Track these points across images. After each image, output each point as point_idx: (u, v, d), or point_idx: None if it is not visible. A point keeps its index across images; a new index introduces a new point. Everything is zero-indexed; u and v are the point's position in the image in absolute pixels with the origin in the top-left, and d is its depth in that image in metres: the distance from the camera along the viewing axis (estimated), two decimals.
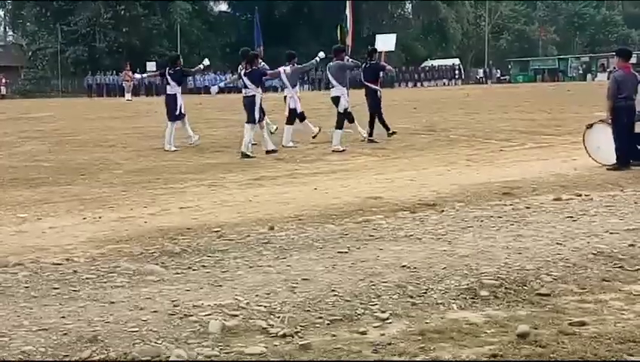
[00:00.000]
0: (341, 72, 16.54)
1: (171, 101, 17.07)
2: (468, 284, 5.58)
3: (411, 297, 5.34)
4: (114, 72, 61.15)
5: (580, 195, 9.49)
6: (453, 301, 5.25)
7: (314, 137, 17.16)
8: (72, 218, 8.76)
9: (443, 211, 8.61)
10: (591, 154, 12.56)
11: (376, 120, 17.58)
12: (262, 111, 15.27)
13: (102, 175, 12.57)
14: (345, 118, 16.21)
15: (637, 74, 12.92)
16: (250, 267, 6.26)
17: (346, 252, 6.71)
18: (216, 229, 7.81)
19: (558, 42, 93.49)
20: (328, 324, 4.83)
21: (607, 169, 11.84)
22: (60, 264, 6.46)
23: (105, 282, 5.88)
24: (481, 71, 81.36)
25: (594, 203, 8.99)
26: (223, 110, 32.72)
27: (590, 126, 12.76)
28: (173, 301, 5.31)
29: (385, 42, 21.63)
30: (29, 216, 8.92)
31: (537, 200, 9.25)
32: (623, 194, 9.68)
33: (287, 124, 16.89)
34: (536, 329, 4.63)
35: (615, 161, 11.95)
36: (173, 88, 17.17)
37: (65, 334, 4.69)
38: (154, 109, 34.76)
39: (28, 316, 5.05)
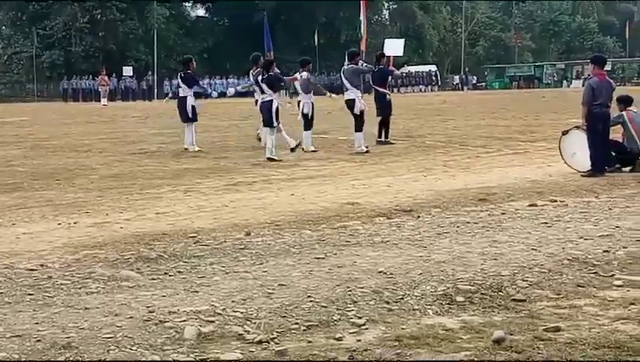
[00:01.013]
0: (355, 76, 16.75)
1: (182, 104, 17.30)
2: (444, 290, 5.60)
3: (387, 303, 5.34)
4: (90, 76, 60.86)
5: (555, 201, 9.55)
6: (429, 306, 5.26)
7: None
8: (47, 223, 8.69)
9: (419, 217, 8.63)
10: (566, 161, 12.64)
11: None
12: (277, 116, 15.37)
13: (77, 180, 12.48)
14: (362, 120, 16.43)
15: (612, 81, 13.05)
16: (227, 273, 6.24)
17: (323, 258, 6.71)
18: (192, 235, 7.78)
19: (534, 49, 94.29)
20: (304, 330, 4.83)
21: (582, 175, 11.92)
22: (34, 270, 6.41)
23: (80, 288, 5.83)
24: (457, 77, 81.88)
25: (569, 209, 9.05)
26: (199, 115, 32.58)
27: (566, 132, 12.85)
28: (148, 307, 5.28)
29: (393, 47, 21.82)
30: (3, 222, 8.83)
31: (513, 206, 9.30)
32: (598, 200, 9.75)
33: (305, 130, 17.00)
34: (511, 334, 4.65)
35: (590, 168, 12.04)
36: (184, 91, 17.39)
37: (39, 340, 4.65)
38: (130, 114, 34.66)
39: (1, 322, 5.00)
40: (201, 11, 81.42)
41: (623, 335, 4.63)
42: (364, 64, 17.82)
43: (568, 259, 6.49)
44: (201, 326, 4.85)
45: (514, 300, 5.37)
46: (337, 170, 13.57)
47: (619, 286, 5.72)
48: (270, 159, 14.80)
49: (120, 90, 62.47)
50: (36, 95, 64.76)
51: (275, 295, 5.56)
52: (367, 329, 4.84)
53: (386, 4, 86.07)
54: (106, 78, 51.89)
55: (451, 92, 69.31)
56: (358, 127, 16.38)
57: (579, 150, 12.36)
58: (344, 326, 4.88)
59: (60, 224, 8.61)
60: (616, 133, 12.94)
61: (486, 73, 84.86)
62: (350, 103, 16.50)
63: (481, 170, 13.21)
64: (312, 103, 17.15)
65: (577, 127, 12.73)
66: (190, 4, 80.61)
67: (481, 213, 8.85)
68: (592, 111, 12.17)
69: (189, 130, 17.24)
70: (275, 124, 15.17)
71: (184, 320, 4.97)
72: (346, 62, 17.06)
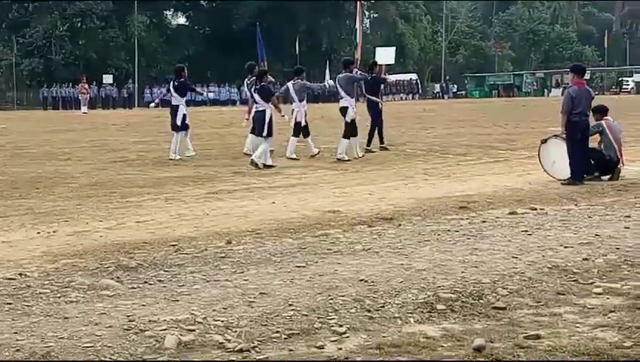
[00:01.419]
0: (350, 84, 17.08)
1: (174, 112, 17.37)
2: (425, 298, 5.60)
3: (369, 311, 5.34)
4: (70, 84, 60.56)
5: (535, 209, 9.59)
6: (410, 314, 5.27)
7: (312, 157, 17.03)
8: (26, 232, 8.63)
9: (400, 225, 8.64)
10: (546, 169, 12.71)
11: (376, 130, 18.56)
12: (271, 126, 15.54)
13: (57, 188, 12.41)
14: (352, 128, 16.70)
15: (591, 90, 13.14)
16: (207, 281, 6.22)
17: (304, 266, 6.70)
18: (172, 243, 7.75)
19: (514, 58, 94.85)
20: (285, 339, 4.81)
21: (562, 183, 11.98)
22: (13, 279, 6.36)
23: (59, 297, 5.80)
24: (438, 86, 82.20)
25: (549, 217, 9.09)
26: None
27: (545, 141, 12.91)
28: (128, 316, 5.25)
29: (384, 55, 22.18)
30: None
31: (493, 214, 9.33)
32: (577, 208, 9.80)
33: (292, 136, 17.15)
34: (492, 342, 4.66)
35: (569, 176, 12.10)
36: (176, 100, 17.47)
37: (17, 350, 4.61)
38: (110, 122, 34.52)
39: None
40: (181, 19, 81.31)
41: (603, 343, 4.66)
42: (359, 72, 18.28)
43: (548, 267, 6.52)
44: (181, 335, 4.83)
45: (494, 308, 5.39)
46: (318, 178, 13.58)
47: (598, 293, 5.75)
48: (254, 163, 14.79)
49: (100, 98, 62.20)
50: (16, 103, 64.35)
51: (256, 303, 5.54)
52: (348, 337, 4.83)
53: (367, 13, 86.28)
54: (86, 86, 51.65)
55: (432, 100, 69.58)
56: (346, 135, 16.56)
57: (558, 158, 12.42)
58: (325, 335, 4.88)
59: (39, 233, 8.56)
60: (592, 142, 13.01)
61: (466, 82, 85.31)
62: (343, 111, 16.80)
63: (461, 178, 13.25)
64: (305, 112, 17.34)
65: (556, 136, 12.79)
66: (171, 13, 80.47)
67: (461, 221, 8.88)
68: (571, 120, 12.24)
69: (175, 138, 17.21)
70: (265, 133, 15.24)
71: (164, 329, 4.95)
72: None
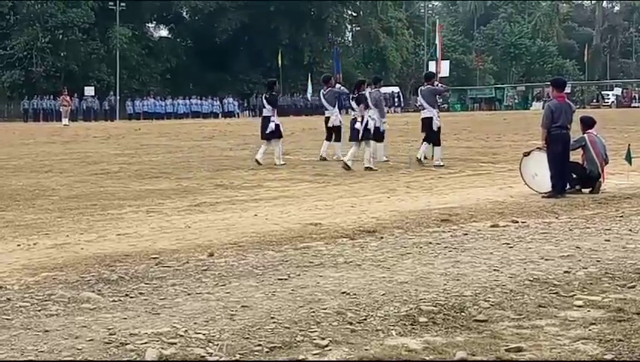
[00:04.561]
0: (432, 96, 18.40)
1: (267, 122, 18.52)
2: (407, 311, 5.61)
3: (351, 324, 5.33)
4: (51, 96, 60.28)
5: (517, 222, 9.62)
6: (392, 327, 5.26)
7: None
8: (6, 244, 8.57)
9: (382, 238, 8.65)
10: (527, 182, 12.75)
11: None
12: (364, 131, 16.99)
13: (37, 201, 12.33)
14: (439, 136, 18.03)
15: (572, 103, 13.21)
16: (189, 294, 6.20)
17: (286, 278, 6.70)
18: (154, 256, 7.71)
19: (495, 72, 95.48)
20: (267, 352, 4.80)
21: (543, 196, 12.02)
22: None
23: (39, 310, 5.75)
24: (419, 98, 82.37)
25: (530, 230, 9.12)
26: (162, 136, 32.50)
27: (528, 153, 12.95)
28: (109, 329, 5.22)
29: (440, 68, 23.03)
30: None
31: (475, 226, 9.36)
32: (558, 221, 9.84)
33: (377, 142, 18.51)
34: (474, 355, 4.67)
35: (550, 189, 12.15)
36: (268, 111, 18.75)
37: None
38: (92, 135, 34.39)
39: None
40: (164, 32, 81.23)
41: (584, 356, 4.67)
42: (439, 85, 19.42)
43: (530, 280, 6.54)
44: (162, 348, 4.81)
45: (476, 320, 5.39)
46: (301, 190, 13.57)
47: (579, 306, 5.77)
48: (368, 168, 16.46)
49: (82, 110, 61.94)
50: None
51: (237, 316, 5.53)
52: (330, 350, 4.82)
53: (349, 27, 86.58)
54: (67, 98, 51.39)
55: (414, 113, 69.68)
56: (437, 142, 17.89)
57: (539, 171, 12.46)
58: (307, 348, 4.86)
59: (19, 245, 8.50)
60: (575, 155, 13.07)
61: (448, 95, 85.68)
62: (427, 121, 18.05)
63: (443, 190, 13.28)
64: (376, 119, 18.38)
65: (539, 148, 12.83)
66: (153, 25, 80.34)
67: (443, 233, 8.89)
68: (551, 133, 12.30)
69: (275, 146, 18.25)
70: (360, 138, 16.82)
71: (145, 343, 4.92)
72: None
